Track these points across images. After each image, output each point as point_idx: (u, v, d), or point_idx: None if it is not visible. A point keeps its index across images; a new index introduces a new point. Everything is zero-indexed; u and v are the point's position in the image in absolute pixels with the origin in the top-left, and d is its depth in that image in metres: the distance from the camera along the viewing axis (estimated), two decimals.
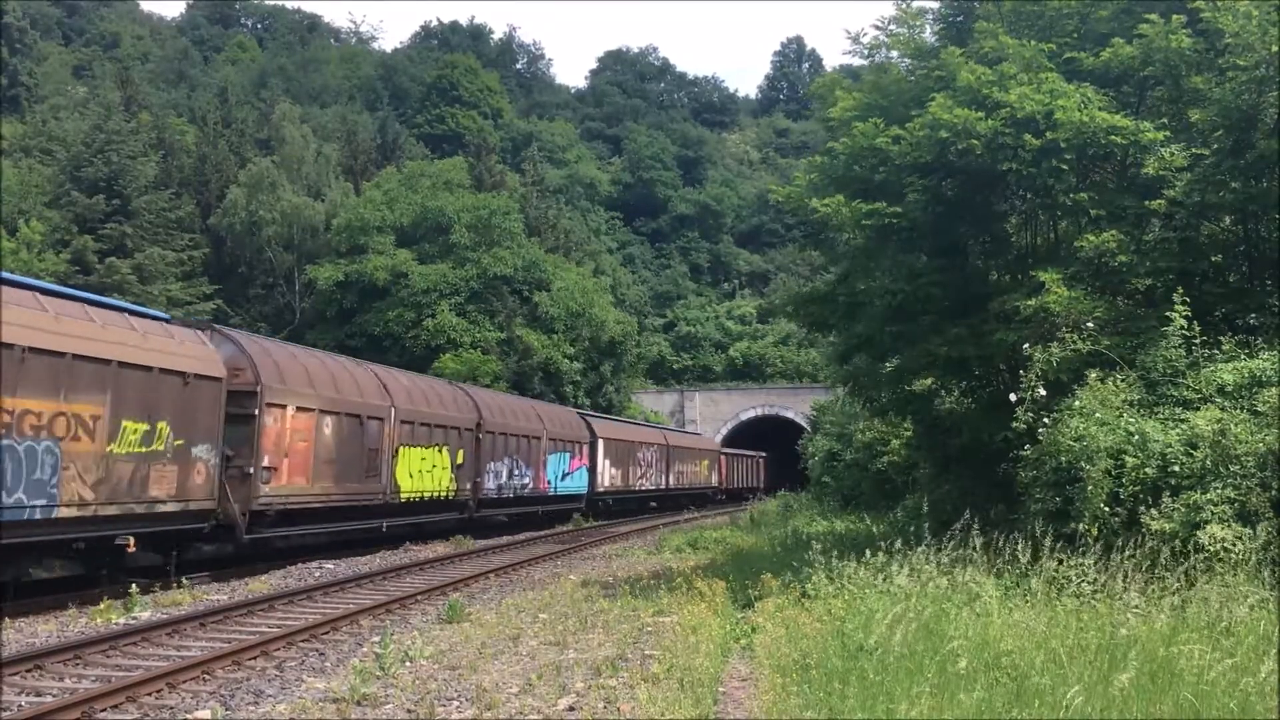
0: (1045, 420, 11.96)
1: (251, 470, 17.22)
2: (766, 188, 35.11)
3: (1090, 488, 10.67)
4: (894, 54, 16.27)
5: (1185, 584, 8.95)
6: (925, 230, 14.88)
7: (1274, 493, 10.13)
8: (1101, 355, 12.37)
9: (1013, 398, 12.54)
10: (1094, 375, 11.94)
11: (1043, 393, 12.19)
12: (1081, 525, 10.48)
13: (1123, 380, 11.95)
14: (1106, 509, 10.65)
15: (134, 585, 13.91)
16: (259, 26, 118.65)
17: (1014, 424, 12.26)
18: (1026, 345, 12.81)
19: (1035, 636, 7.99)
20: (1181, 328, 11.86)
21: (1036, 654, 7.56)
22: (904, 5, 15.96)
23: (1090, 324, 12.67)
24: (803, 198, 15.63)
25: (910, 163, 13.84)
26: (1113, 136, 12.96)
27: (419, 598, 15.42)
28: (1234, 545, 9.36)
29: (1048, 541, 9.87)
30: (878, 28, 16.29)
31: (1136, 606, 8.55)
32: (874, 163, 14.38)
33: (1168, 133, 13.31)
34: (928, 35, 16.52)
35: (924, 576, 10.06)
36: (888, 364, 17.22)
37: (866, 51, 16.44)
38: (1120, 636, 7.84)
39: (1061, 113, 12.84)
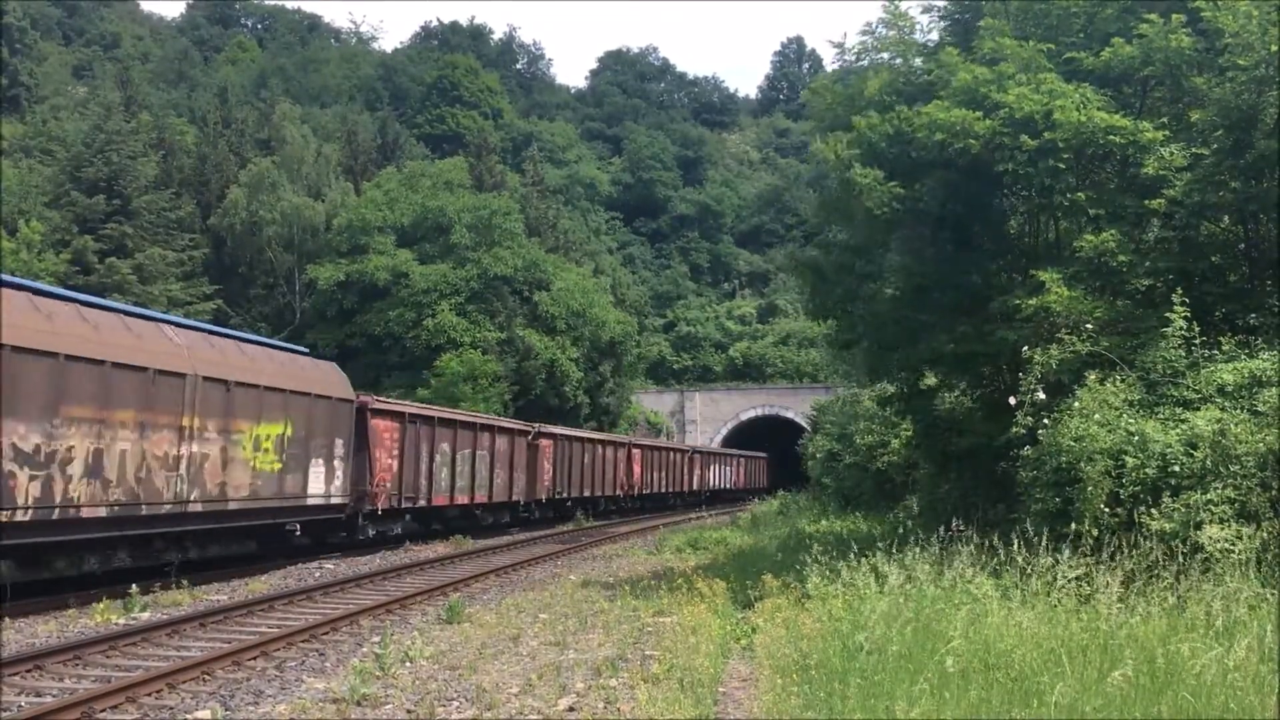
0: (1045, 421, 11.97)
1: None
2: (767, 193, 34.62)
3: (1090, 488, 10.66)
4: (884, 55, 16.30)
5: (1184, 584, 8.95)
6: (942, 222, 14.94)
7: (1274, 493, 10.13)
8: (1101, 356, 12.37)
9: (1012, 401, 12.55)
10: (1094, 376, 11.94)
11: (1042, 396, 12.20)
12: (1083, 525, 10.47)
13: (1122, 381, 11.95)
14: (1106, 509, 10.65)
15: (134, 586, 13.90)
16: (259, 26, 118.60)
17: (1014, 428, 12.28)
18: (1025, 348, 12.82)
19: (1034, 636, 7.99)
20: (1181, 328, 11.86)
21: (1034, 653, 7.56)
22: (892, 7, 15.97)
23: (1090, 324, 12.68)
24: (839, 166, 15.46)
25: (928, 157, 13.88)
26: (1111, 136, 12.98)
27: (419, 598, 15.42)
28: (1233, 545, 9.35)
29: (1045, 542, 9.87)
30: (865, 33, 16.36)
31: (1135, 606, 8.55)
32: (904, 146, 14.37)
33: (1167, 132, 13.32)
34: (934, 34, 16.58)
35: (923, 576, 10.06)
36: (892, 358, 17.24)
37: (855, 57, 16.50)
38: (1119, 636, 7.85)
39: (1060, 113, 12.85)
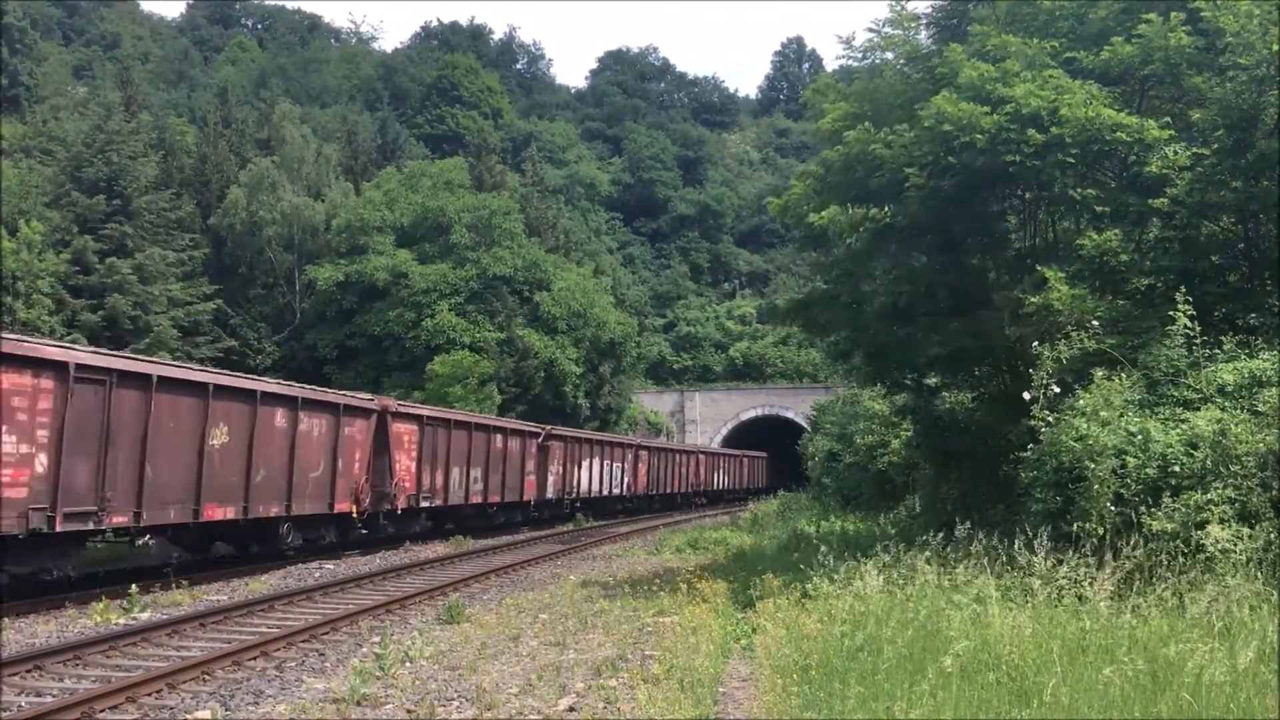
0: (1048, 420, 11.95)
1: None
2: (766, 193, 34.59)
3: (1095, 487, 10.64)
4: (889, 55, 16.29)
5: (1185, 584, 8.95)
6: (925, 227, 14.91)
7: (1274, 493, 10.12)
8: (1105, 354, 12.36)
9: (1026, 396, 12.52)
10: (1100, 374, 11.92)
11: (1056, 390, 12.18)
12: (1088, 525, 10.45)
13: (1126, 380, 11.94)
14: (1111, 508, 10.64)
15: (134, 586, 13.89)
16: (259, 26, 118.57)
17: (1032, 420, 12.23)
18: (1035, 344, 12.80)
19: (1035, 637, 7.98)
20: (1185, 327, 11.85)
21: (1034, 654, 7.55)
22: (898, 7, 15.98)
23: (1095, 322, 12.67)
24: (800, 207, 15.66)
25: (906, 163, 13.86)
26: (1117, 133, 12.96)
27: (419, 598, 15.41)
28: (1234, 545, 9.35)
29: (1045, 543, 9.86)
30: (872, 30, 16.36)
31: (1136, 607, 8.55)
32: (869, 168, 14.41)
33: (1172, 131, 13.31)
34: (922, 38, 16.57)
35: (924, 577, 10.05)
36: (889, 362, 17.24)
37: (861, 55, 16.51)
38: (1119, 636, 7.84)
39: (1067, 109, 12.84)
